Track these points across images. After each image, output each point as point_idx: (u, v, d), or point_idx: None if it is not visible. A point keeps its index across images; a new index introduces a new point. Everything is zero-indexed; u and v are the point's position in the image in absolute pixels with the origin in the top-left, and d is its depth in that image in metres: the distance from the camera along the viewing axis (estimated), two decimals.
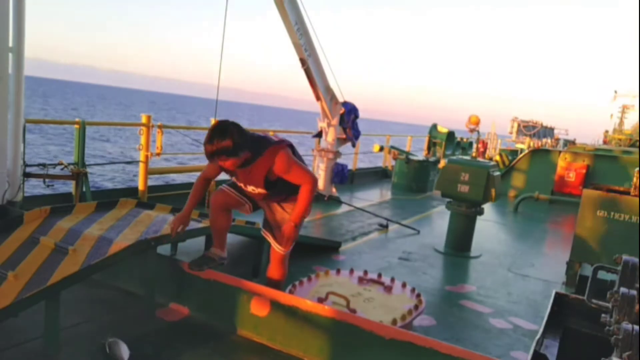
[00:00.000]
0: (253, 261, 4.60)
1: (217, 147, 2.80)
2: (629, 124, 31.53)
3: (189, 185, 7.12)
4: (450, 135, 14.10)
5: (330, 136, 8.53)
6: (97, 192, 6.49)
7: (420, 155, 12.80)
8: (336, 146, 8.63)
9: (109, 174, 15.75)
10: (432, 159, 12.19)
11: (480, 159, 7.08)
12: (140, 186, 6.32)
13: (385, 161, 13.08)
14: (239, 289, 3.24)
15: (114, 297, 3.56)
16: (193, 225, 3.72)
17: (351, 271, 3.99)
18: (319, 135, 8.87)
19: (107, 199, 4.60)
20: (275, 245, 3.43)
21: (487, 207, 6.89)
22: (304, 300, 3.09)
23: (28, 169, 5.00)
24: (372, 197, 9.97)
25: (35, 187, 7.42)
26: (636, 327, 1.83)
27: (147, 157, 6.24)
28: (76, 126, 5.61)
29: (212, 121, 7.75)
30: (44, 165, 5.29)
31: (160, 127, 6.46)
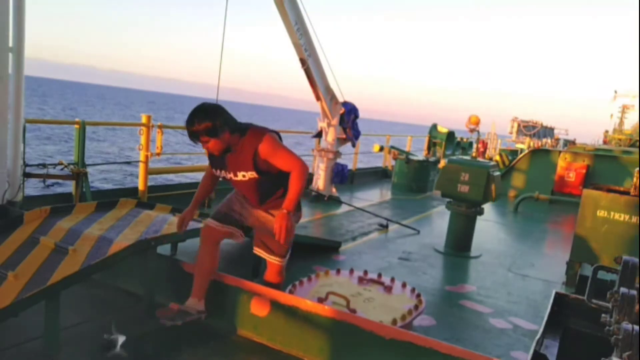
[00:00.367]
0: (253, 261, 4.60)
1: (197, 127, 2.82)
2: (629, 124, 31.55)
3: (189, 185, 7.17)
4: (450, 135, 14.10)
5: (330, 136, 8.54)
6: (97, 192, 6.48)
7: (420, 155, 12.80)
8: (336, 146, 8.63)
9: (106, 174, 15.78)
10: (432, 159, 12.19)
11: (480, 159, 7.08)
12: (140, 186, 6.32)
13: (385, 161, 13.08)
14: (239, 289, 3.25)
15: (114, 297, 3.55)
16: (193, 225, 3.72)
17: (351, 271, 3.99)
18: (319, 135, 8.88)
19: (107, 199, 4.61)
20: (271, 258, 3.29)
21: (487, 207, 6.89)
22: (304, 300, 3.09)
23: (28, 169, 5.00)
24: (372, 197, 9.97)
25: (35, 187, 7.42)
26: (636, 327, 1.83)
27: (147, 157, 6.24)
28: (76, 126, 5.62)
29: None
30: (44, 165, 5.29)
31: (160, 127, 6.47)
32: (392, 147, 12.29)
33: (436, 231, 7.28)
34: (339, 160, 8.97)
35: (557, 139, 29.25)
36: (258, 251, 3.33)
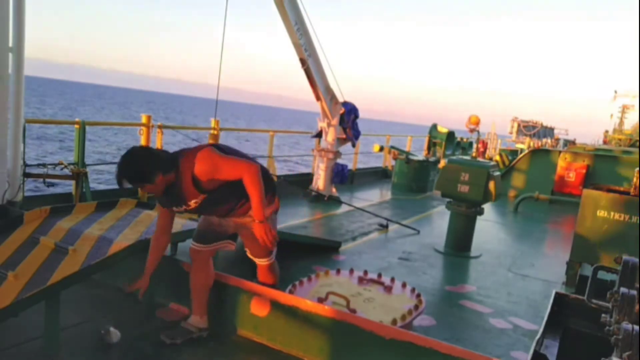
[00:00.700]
0: (252, 261, 4.59)
1: (127, 182, 2.70)
2: (629, 124, 31.54)
3: None
4: (450, 135, 14.10)
5: (330, 136, 8.54)
6: (97, 192, 6.48)
7: (420, 155, 12.80)
8: (336, 146, 8.63)
9: (107, 175, 15.75)
10: (432, 159, 12.18)
11: (480, 159, 7.08)
12: None
13: (385, 161, 13.08)
14: (239, 289, 3.25)
15: (114, 297, 3.55)
16: (192, 225, 3.72)
17: (351, 271, 3.99)
18: (319, 135, 8.88)
19: (107, 199, 4.60)
20: (257, 260, 3.22)
21: (487, 207, 6.89)
22: (304, 300, 3.09)
23: (28, 169, 5.00)
24: (372, 197, 9.97)
25: (35, 187, 7.42)
26: (636, 327, 1.83)
27: None
28: (76, 126, 5.61)
29: (212, 121, 7.75)
30: (44, 165, 5.29)
31: (160, 127, 6.46)
32: (392, 147, 12.29)
33: (436, 231, 7.28)
34: (339, 160, 8.97)
35: (557, 139, 29.25)
36: (248, 253, 3.26)
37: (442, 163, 10.72)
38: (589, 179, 10.51)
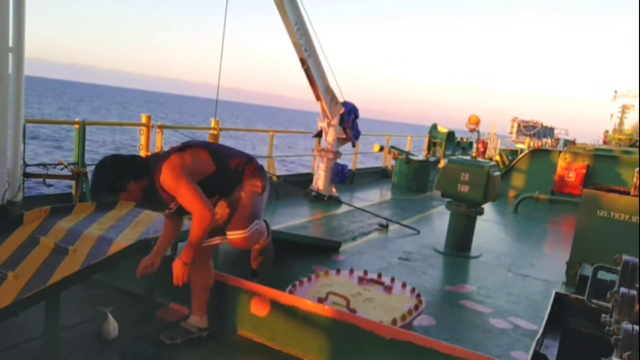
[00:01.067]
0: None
1: (102, 193, 2.70)
2: (629, 124, 31.51)
3: None
4: (450, 135, 14.10)
5: (330, 136, 8.54)
6: None
7: (420, 155, 12.80)
8: (336, 146, 8.63)
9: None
10: (432, 159, 12.19)
11: (480, 159, 7.08)
12: None
13: (385, 161, 13.08)
14: (239, 289, 3.25)
15: (114, 297, 3.55)
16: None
17: (351, 271, 3.99)
18: (319, 135, 8.88)
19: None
20: (230, 234, 2.86)
21: (487, 207, 6.89)
22: (304, 300, 3.09)
23: (28, 169, 5.00)
24: (372, 197, 9.97)
25: (35, 187, 7.42)
26: (636, 327, 1.83)
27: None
28: (76, 126, 5.61)
29: (212, 121, 7.74)
30: (44, 165, 5.29)
31: (160, 127, 6.46)
32: (392, 147, 12.29)
33: (436, 231, 7.28)
34: (339, 160, 8.97)
35: (557, 139, 29.24)
36: (217, 239, 3.05)
37: (442, 163, 10.73)
38: (589, 179, 10.51)
